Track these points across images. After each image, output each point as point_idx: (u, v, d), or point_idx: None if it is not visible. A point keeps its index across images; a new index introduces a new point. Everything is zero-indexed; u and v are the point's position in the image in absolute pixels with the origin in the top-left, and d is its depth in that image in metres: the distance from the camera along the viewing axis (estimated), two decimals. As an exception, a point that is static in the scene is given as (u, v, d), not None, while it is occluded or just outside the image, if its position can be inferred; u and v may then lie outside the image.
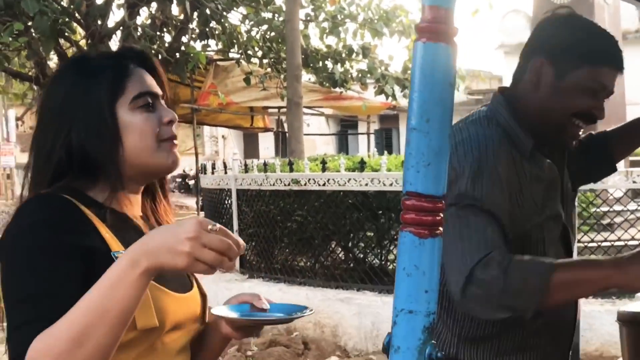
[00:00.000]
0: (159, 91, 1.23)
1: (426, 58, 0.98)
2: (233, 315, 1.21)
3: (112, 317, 0.93)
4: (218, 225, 0.97)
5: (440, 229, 0.99)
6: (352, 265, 5.72)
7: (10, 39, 7.14)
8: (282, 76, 9.00)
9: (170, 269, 0.95)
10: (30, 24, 7.30)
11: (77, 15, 8.39)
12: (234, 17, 9.40)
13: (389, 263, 5.57)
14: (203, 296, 1.28)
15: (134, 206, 1.22)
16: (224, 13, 8.77)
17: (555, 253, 1.48)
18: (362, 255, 5.77)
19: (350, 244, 5.81)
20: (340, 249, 5.88)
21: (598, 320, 4.32)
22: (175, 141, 1.21)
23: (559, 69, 1.41)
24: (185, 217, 1.35)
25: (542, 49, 1.44)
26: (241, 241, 0.99)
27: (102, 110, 1.15)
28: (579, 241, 4.82)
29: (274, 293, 5.32)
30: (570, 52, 1.40)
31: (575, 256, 1.61)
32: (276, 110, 11.67)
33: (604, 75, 1.41)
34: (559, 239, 1.52)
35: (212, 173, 7.36)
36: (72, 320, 0.92)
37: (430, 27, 0.98)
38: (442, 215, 0.99)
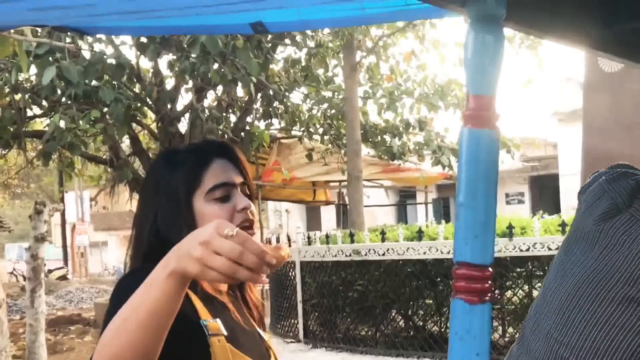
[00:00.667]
0: (236, 180, 1.29)
1: (471, 142, 1.10)
2: None
3: (142, 314, 0.93)
4: (237, 229, 0.90)
5: (489, 295, 1.08)
6: (412, 333, 5.70)
7: (88, 125, 7.61)
8: (342, 151, 9.22)
9: (191, 275, 0.92)
10: (105, 110, 7.79)
11: (148, 100, 8.90)
12: (296, 96, 9.78)
13: (448, 330, 5.52)
14: None
15: (219, 285, 1.30)
16: (287, 93, 9.14)
17: None
18: (421, 323, 5.75)
19: (410, 312, 5.81)
20: (400, 317, 5.88)
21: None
22: (252, 228, 1.27)
23: None
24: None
25: None
26: (270, 251, 0.92)
27: (179, 202, 1.25)
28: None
29: (338, 364, 5.34)
30: None
31: None
32: (337, 183, 11.86)
33: None
34: None
35: (276, 247, 7.53)
36: (116, 315, 0.96)
37: (474, 114, 1.10)
38: (490, 282, 1.08)
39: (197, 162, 1.28)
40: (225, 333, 1.18)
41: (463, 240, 1.08)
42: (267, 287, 7.93)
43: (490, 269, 1.08)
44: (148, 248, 1.27)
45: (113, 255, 26.98)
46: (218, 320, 1.19)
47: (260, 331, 1.38)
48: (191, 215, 1.25)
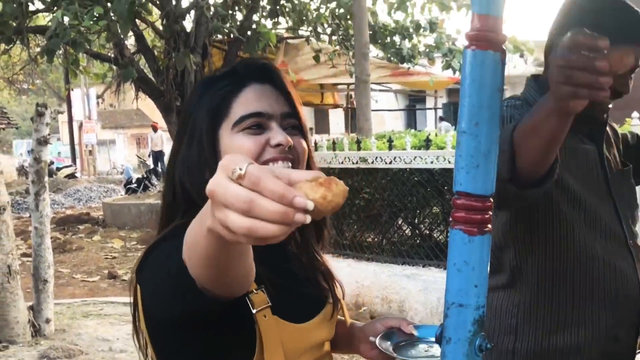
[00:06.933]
0: (273, 110, 1.06)
1: (475, 65, 1.02)
2: (392, 354, 1.16)
3: (199, 258, 0.79)
4: (245, 166, 0.60)
5: (489, 226, 1.05)
6: (418, 241, 5.76)
7: (91, 22, 7.43)
8: (350, 53, 9.01)
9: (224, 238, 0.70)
10: (109, 6, 7.58)
11: (152, -4, 8.65)
12: (304, -6, 9.43)
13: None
14: (335, 305, 1.17)
15: None
16: (293, -10, 8.82)
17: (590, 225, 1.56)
18: (428, 232, 5.80)
19: (416, 221, 5.84)
20: (406, 226, 5.92)
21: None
22: (297, 165, 1.05)
23: None
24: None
25: (565, 31, 1.47)
26: (308, 189, 0.61)
27: (201, 137, 1.04)
28: None
29: (342, 268, 5.45)
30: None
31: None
32: (345, 86, 11.69)
33: (624, 53, 1.47)
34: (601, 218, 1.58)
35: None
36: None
37: (479, 35, 1.02)
38: (490, 213, 1.05)
39: (227, 88, 1.07)
40: (270, 303, 1.01)
41: (464, 170, 1.03)
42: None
43: (491, 199, 1.04)
44: (171, 199, 1.06)
45: (121, 153, 27.21)
46: (262, 288, 1.01)
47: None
48: (214, 153, 1.03)
